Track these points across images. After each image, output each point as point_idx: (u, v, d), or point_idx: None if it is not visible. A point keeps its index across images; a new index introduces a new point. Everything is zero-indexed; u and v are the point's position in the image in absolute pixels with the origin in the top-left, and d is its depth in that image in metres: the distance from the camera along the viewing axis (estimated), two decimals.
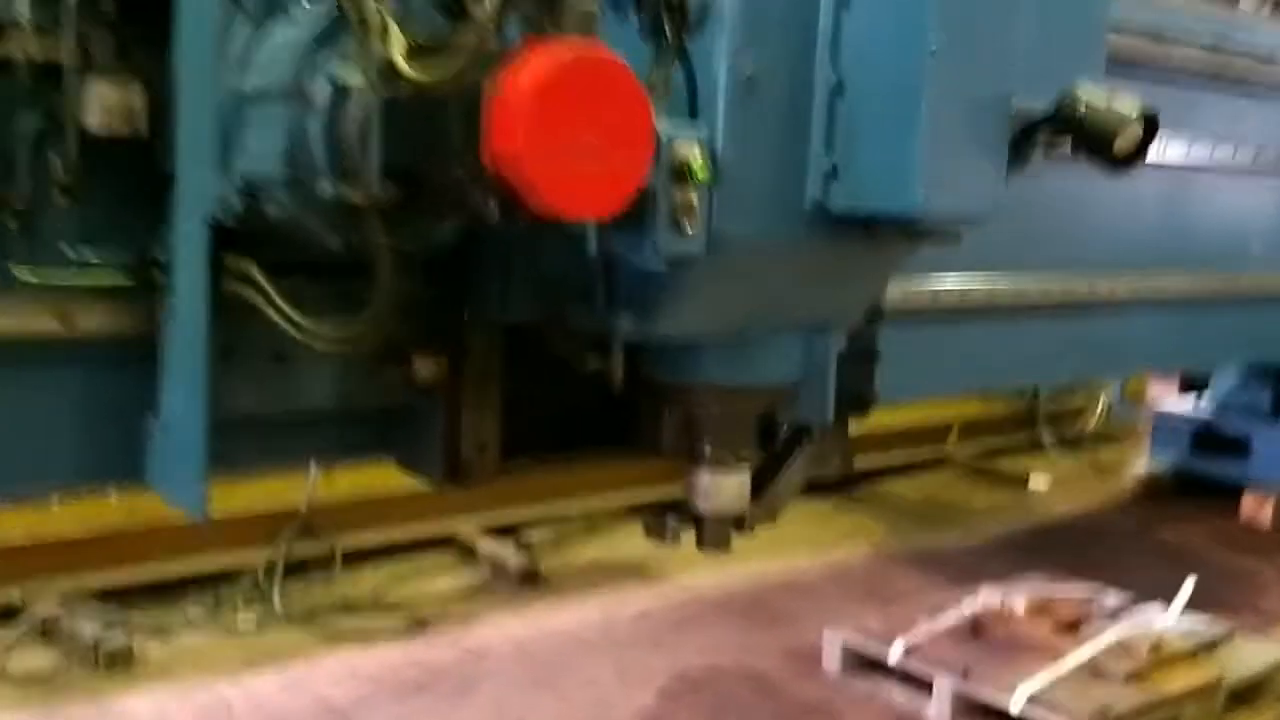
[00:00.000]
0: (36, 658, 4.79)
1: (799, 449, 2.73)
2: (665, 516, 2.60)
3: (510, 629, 5.43)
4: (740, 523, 2.62)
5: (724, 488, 2.54)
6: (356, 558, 6.09)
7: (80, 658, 4.80)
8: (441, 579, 6.01)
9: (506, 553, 6.15)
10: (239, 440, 2.36)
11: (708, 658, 5.18)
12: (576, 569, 6.25)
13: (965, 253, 3.90)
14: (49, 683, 4.63)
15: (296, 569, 5.88)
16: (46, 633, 4.95)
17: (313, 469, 5.70)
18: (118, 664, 4.79)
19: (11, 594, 5.08)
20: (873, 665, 4.87)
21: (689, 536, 2.62)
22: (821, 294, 2.33)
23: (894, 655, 4.77)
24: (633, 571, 6.26)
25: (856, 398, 2.73)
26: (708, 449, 2.52)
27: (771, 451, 2.73)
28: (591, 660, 5.12)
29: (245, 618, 5.36)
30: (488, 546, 6.22)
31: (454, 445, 2.44)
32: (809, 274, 2.26)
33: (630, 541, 6.59)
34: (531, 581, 5.99)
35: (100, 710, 4.44)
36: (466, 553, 6.28)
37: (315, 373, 2.39)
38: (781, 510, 2.85)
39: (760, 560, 6.55)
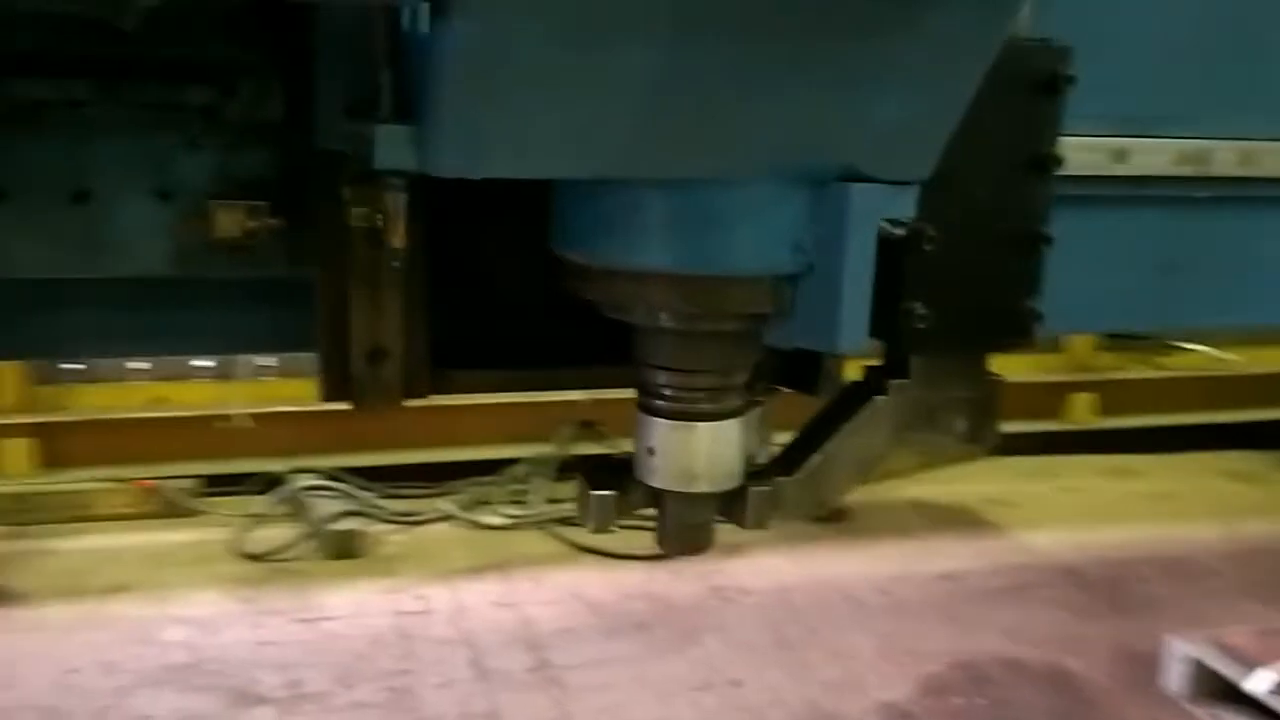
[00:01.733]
0: (275, 535, 4.63)
1: (867, 399, 1.60)
2: (593, 487, 1.59)
3: (778, 570, 4.56)
4: (734, 508, 1.56)
5: (680, 449, 1.50)
6: None
7: (315, 540, 4.59)
8: None
9: None
10: (33, 315, 1.72)
11: (1010, 645, 4.00)
12: (891, 507, 5.20)
13: None
14: (269, 564, 4.45)
15: (570, 468, 5.37)
16: (295, 510, 4.80)
17: None
18: (345, 551, 4.52)
19: (275, 465, 4.99)
20: (1229, 693, 3.48)
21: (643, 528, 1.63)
22: (806, 98, 1.19)
23: (1258, 685, 3.36)
24: (961, 518, 5.11)
25: (1001, 315, 1.53)
26: (658, 381, 1.50)
27: (831, 401, 1.64)
28: (858, 625, 4.13)
29: (496, 516, 4.91)
30: None
31: (337, 349, 1.65)
32: (762, 47, 1.14)
33: (977, 480, 5.42)
34: (832, 515, 5.03)
35: (297, 600, 4.17)
36: None
37: (138, 222, 1.66)
38: (835, 499, 1.74)
39: (1139, 521, 5.15)
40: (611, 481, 1.57)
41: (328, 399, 1.72)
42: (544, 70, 1.08)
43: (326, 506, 4.70)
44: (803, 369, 1.58)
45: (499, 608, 4.19)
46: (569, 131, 1.15)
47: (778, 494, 1.61)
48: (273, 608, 4.11)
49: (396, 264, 1.48)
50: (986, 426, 1.67)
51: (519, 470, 5.22)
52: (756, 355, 1.48)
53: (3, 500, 4.65)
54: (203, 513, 4.83)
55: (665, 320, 1.43)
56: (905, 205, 1.35)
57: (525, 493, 5.12)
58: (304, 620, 4.04)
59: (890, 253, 1.52)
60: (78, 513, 4.69)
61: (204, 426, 4.95)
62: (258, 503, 4.83)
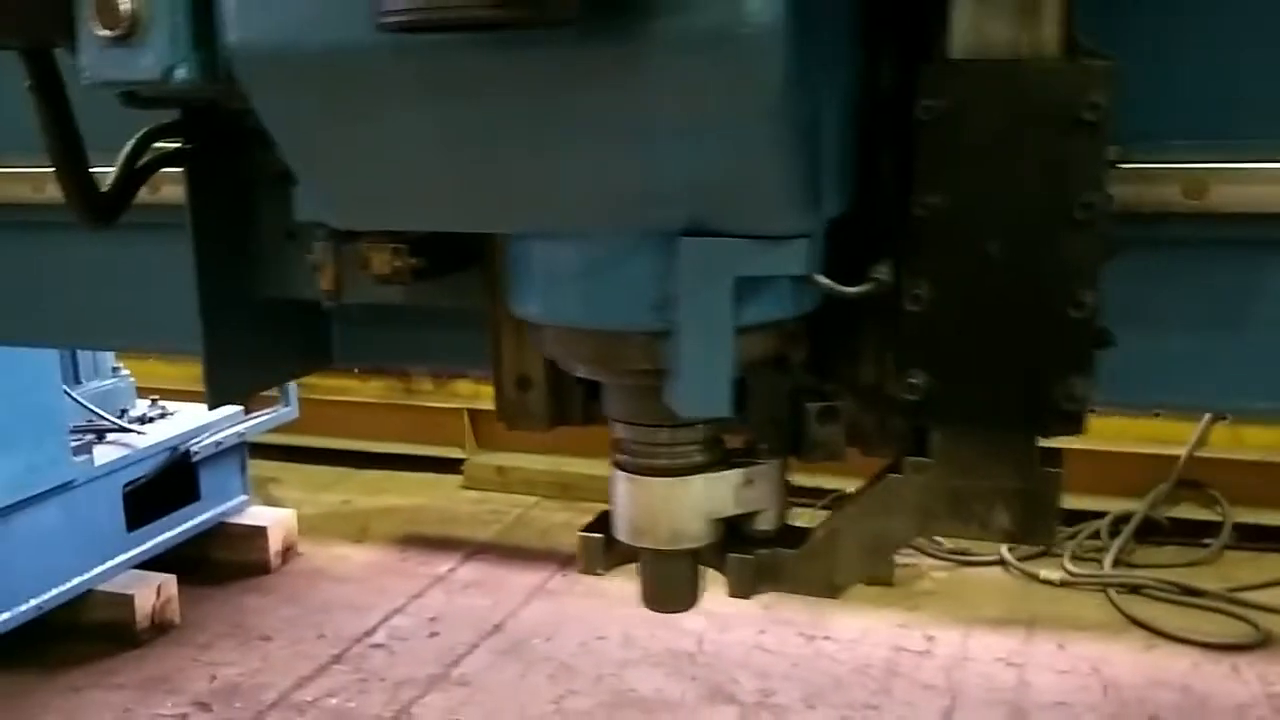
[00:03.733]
0: None
1: (892, 468, 1.31)
2: (587, 529, 1.50)
3: None
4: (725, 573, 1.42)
5: (628, 501, 1.39)
6: (1255, 536, 4.69)
7: None
8: None
9: None
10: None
11: None
12: None
13: None
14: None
15: (1159, 532, 4.78)
16: None
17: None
18: (874, 578, 4.56)
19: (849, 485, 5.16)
20: None
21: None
22: (578, 151, 1.11)
23: None
24: None
25: (1033, 395, 1.17)
26: (612, 433, 1.41)
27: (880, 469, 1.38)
28: None
29: (1055, 571, 4.56)
30: None
31: (497, 375, 1.82)
32: (507, 105, 1.07)
33: None
34: None
35: (812, 614, 4.29)
36: None
37: None
38: (846, 581, 1.45)
39: None
40: (609, 526, 1.55)
41: (499, 419, 1.92)
42: (328, 130, 1.18)
43: None
44: (794, 428, 1.41)
45: (1004, 666, 3.94)
46: (388, 185, 1.22)
47: (775, 566, 1.46)
48: (786, 618, 4.31)
49: (330, 303, 1.63)
50: (1039, 525, 1.32)
51: (1099, 525, 4.79)
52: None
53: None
54: None
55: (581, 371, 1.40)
56: (781, 262, 1.16)
57: (1100, 550, 4.69)
58: (806, 635, 4.19)
59: (865, 311, 1.32)
60: None
61: None
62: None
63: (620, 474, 1.44)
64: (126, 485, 4.38)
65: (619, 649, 4.12)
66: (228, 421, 4.79)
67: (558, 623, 4.33)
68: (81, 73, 1.23)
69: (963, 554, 4.76)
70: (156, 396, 4.81)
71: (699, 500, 1.40)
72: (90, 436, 4.37)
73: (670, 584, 1.49)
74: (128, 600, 4.19)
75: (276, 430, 5.35)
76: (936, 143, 1.24)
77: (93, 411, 4.40)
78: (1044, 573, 4.55)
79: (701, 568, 1.51)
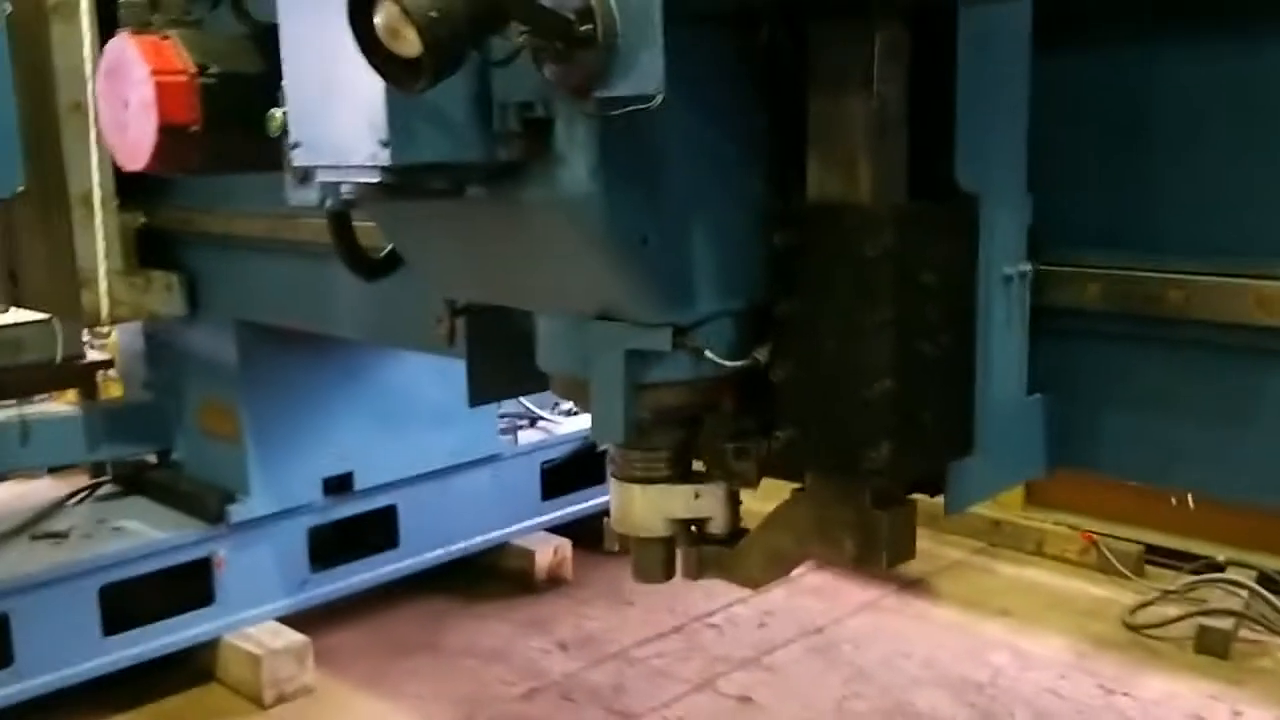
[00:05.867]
0: (1164, 613, 4.75)
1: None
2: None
3: None
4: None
5: (615, 499, 1.91)
6: None
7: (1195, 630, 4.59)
8: None
9: None
10: None
11: None
12: None
13: None
14: (1139, 636, 4.62)
15: None
16: (1197, 597, 4.80)
17: None
18: (1211, 648, 4.45)
19: (1216, 552, 5.00)
20: None
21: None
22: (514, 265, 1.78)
23: None
24: None
25: (853, 454, 1.48)
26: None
27: None
28: None
29: None
30: None
31: None
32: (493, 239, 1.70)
33: None
34: None
35: (1121, 671, 4.33)
36: None
37: None
38: (759, 581, 1.77)
39: None
40: None
41: None
42: (409, 239, 1.90)
43: (1223, 601, 4.63)
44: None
45: None
46: (448, 273, 1.92)
47: (718, 559, 1.89)
48: (1093, 668, 4.38)
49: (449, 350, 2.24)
50: (870, 555, 1.63)
51: None
52: (672, 438, 1.86)
53: (985, 522, 5.64)
54: (1129, 577, 5.13)
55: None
56: (653, 341, 1.63)
57: None
58: (1106, 689, 4.24)
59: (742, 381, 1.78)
60: (1030, 546, 5.44)
61: (1157, 496, 5.20)
62: (1176, 582, 4.96)
63: (612, 479, 2.00)
64: (545, 464, 5.42)
65: (917, 668, 4.45)
66: None
67: (873, 635, 4.73)
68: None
69: None
70: None
71: (655, 503, 1.93)
72: (522, 422, 5.47)
73: (646, 561, 2.01)
74: (532, 555, 5.22)
75: None
76: (788, 264, 1.69)
77: (523, 404, 5.50)
78: None
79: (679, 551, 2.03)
